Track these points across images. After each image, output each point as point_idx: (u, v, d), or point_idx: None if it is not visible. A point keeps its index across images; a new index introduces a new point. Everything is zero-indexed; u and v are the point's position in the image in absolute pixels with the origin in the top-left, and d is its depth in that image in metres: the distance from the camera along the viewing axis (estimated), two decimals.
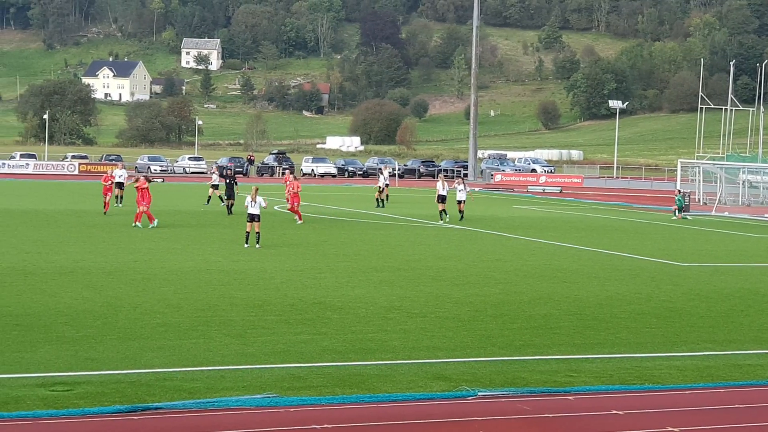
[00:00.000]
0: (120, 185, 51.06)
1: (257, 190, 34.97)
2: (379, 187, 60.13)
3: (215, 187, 54.88)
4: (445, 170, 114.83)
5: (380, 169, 66.80)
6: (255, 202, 34.16)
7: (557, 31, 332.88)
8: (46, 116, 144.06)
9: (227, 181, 49.69)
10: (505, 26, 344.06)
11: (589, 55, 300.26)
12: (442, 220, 48.33)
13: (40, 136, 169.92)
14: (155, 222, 40.53)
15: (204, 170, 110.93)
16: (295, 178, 49.35)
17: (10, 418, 13.02)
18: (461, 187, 49.26)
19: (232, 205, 48.98)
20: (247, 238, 34.29)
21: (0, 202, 53.12)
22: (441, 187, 49.17)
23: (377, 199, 59.69)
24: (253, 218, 34.07)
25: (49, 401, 13.93)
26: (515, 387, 15.52)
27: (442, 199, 48.71)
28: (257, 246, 33.72)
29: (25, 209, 48.21)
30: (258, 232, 34.13)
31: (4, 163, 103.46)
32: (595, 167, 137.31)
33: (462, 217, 48.78)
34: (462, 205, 49.01)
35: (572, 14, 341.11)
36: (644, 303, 24.47)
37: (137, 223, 40.58)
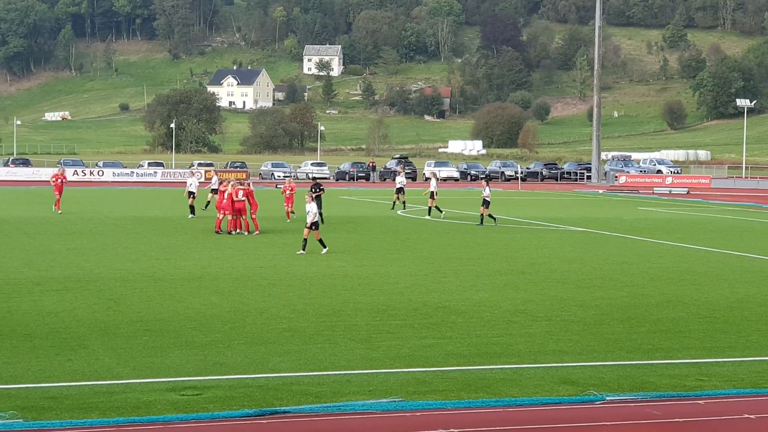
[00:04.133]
0: (192, 194, 49.37)
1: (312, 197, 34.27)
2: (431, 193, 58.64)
3: (192, 194, 49.73)
4: (567, 171, 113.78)
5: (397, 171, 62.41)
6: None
7: (682, 30, 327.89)
8: (172, 125, 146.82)
9: (314, 190, 45.45)
10: (628, 26, 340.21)
11: (715, 54, 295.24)
12: (429, 215, 51.24)
13: (167, 144, 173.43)
14: (237, 232, 40.45)
15: (327, 176, 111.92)
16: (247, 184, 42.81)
17: (141, 422, 13.25)
18: (487, 191, 47.06)
19: (319, 214, 46.22)
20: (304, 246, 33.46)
21: (129, 210, 54.31)
22: (434, 184, 51.82)
23: (395, 202, 58.07)
24: (314, 225, 33.29)
25: (179, 405, 14.14)
26: (644, 392, 15.27)
27: (432, 195, 51.27)
28: (324, 251, 33.16)
29: (153, 217, 49.16)
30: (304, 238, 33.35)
31: (132, 172, 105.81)
32: (723, 167, 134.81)
33: (495, 221, 47.00)
34: (487, 208, 46.94)
35: (697, 12, 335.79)
36: None
37: (243, 231, 40.67)
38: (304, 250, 33.31)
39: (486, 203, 47.06)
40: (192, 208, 49.46)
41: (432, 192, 51.20)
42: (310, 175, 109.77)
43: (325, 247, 33.51)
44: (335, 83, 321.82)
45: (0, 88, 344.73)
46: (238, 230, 40.56)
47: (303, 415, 13.77)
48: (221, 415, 13.61)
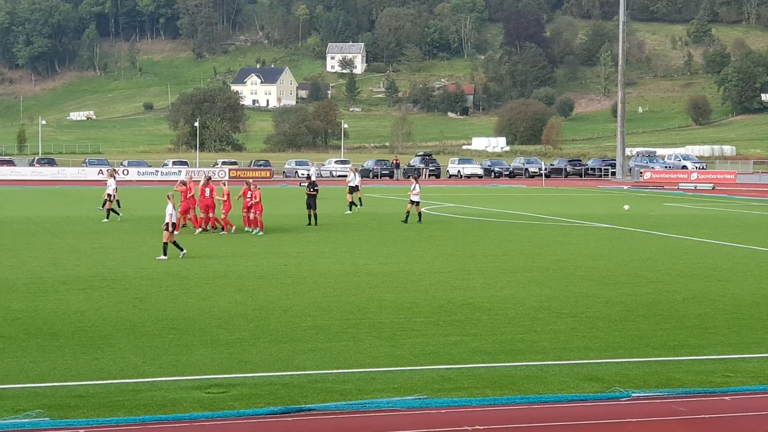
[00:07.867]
0: (110, 196, 47.25)
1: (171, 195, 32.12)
2: (351, 187, 53.23)
3: (110, 197, 47.60)
4: (599, 168, 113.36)
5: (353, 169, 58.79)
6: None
7: (706, 25, 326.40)
8: (196, 124, 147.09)
9: (308, 189, 44.99)
10: (652, 21, 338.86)
11: (739, 48, 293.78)
12: (350, 210, 51.82)
13: (192, 143, 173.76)
14: (233, 229, 39.93)
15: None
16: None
17: (167, 420, 13.30)
18: (416, 188, 45.38)
19: (314, 215, 44.29)
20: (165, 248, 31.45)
21: (154, 209, 54.44)
22: (352, 178, 52.78)
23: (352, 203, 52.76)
24: (168, 226, 31.16)
25: (205, 403, 14.19)
26: (670, 388, 15.22)
27: (351, 189, 52.30)
28: (161, 257, 30.94)
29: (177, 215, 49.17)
30: (172, 242, 31.27)
31: (157, 171, 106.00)
32: (748, 163, 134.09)
33: (420, 219, 45.82)
34: (417, 206, 45.65)
35: (721, 7, 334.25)
36: None
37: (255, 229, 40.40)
38: (183, 251, 31.33)
39: (415, 203, 45.31)
40: (109, 211, 47.19)
41: (353, 186, 52.25)
42: (335, 174, 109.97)
43: (165, 255, 30.89)
44: (358, 81, 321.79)
45: (25, 88, 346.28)
46: (249, 228, 40.43)
47: (328, 412, 13.79)
48: (247, 412, 13.65)
